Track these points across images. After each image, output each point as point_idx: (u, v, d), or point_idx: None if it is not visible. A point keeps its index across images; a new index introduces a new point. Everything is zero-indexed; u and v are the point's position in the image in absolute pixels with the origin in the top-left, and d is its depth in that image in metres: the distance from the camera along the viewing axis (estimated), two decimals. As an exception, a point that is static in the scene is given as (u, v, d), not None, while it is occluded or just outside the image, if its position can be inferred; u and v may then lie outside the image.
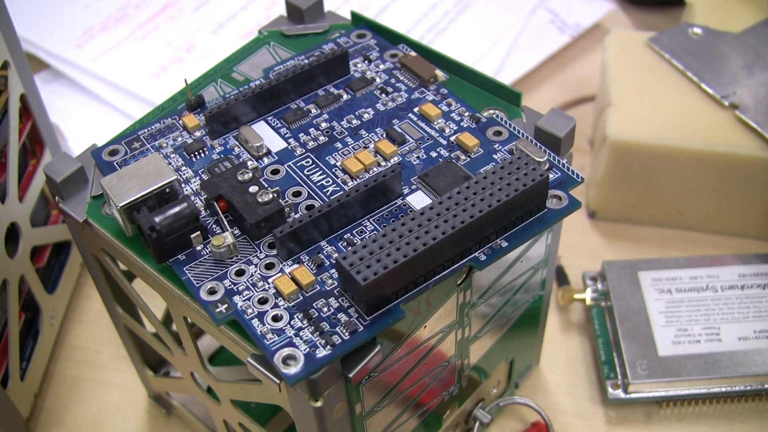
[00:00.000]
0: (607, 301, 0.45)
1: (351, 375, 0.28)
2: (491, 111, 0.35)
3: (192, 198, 0.32)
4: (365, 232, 0.31)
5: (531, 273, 0.37)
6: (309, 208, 0.31)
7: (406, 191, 0.32)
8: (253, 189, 0.31)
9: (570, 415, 0.43)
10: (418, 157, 0.33)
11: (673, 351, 0.42)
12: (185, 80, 0.36)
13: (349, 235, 0.31)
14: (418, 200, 0.32)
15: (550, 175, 0.32)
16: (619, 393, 0.42)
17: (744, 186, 0.47)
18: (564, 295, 0.46)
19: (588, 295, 0.45)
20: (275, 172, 0.33)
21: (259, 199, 0.31)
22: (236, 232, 0.31)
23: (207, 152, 0.34)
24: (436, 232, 0.28)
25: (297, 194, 0.32)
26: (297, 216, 0.31)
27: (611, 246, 0.50)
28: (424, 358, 0.33)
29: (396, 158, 0.33)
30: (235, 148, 0.34)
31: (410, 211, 0.31)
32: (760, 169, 0.46)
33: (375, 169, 0.33)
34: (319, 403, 0.28)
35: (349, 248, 0.28)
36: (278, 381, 0.28)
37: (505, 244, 0.30)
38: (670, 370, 0.42)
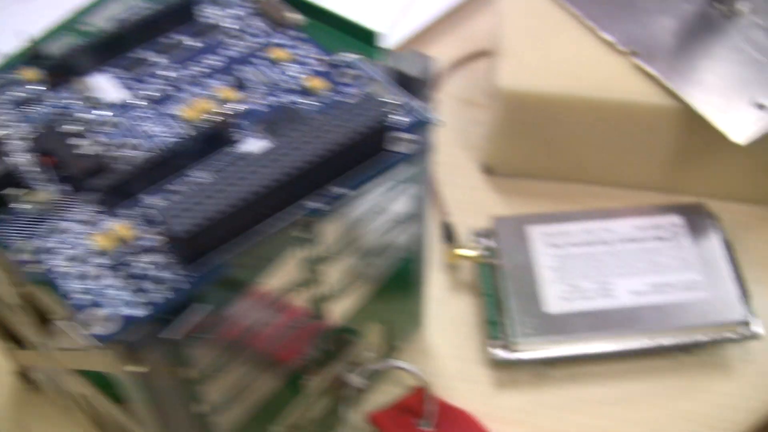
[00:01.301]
0: (496, 258, 0.43)
1: (174, 336, 0.26)
2: (346, 53, 0.33)
3: (17, 154, 0.29)
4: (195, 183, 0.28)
5: (397, 229, 0.35)
6: (138, 159, 0.29)
7: (244, 139, 0.30)
8: (79, 142, 0.29)
9: (456, 379, 0.41)
10: (263, 104, 0.31)
11: (562, 308, 0.40)
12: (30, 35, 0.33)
13: (177, 186, 0.28)
14: (256, 148, 0.29)
15: (403, 118, 0.30)
16: (505, 354, 0.40)
17: (643, 136, 0.45)
18: (450, 253, 0.43)
19: (475, 253, 0.43)
20: (112, 124, 0.31)
21: (84, 152, 0.29)
22: (67, 188, 0.29)
23: (43, 106, 0.31)
24: (266, 178, 0.26)
25: (132, 147, 0.30)
26: (122, 168, 0.29)
27: (508, 202, 0.48)
28: (269, 317, 0.31)
29: (239, 105, 0.31)
30: (73, 102, 0.31)
31: (243, 159, 0.29)
32: (659, 118, 0.44)
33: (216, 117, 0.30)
34: (140, 368, 0.26)
35: (173, 198, 0.26)
36: (94, 344, 0.25)
37: (343, 191, 0.28)
38: (558, 328, 0.40)
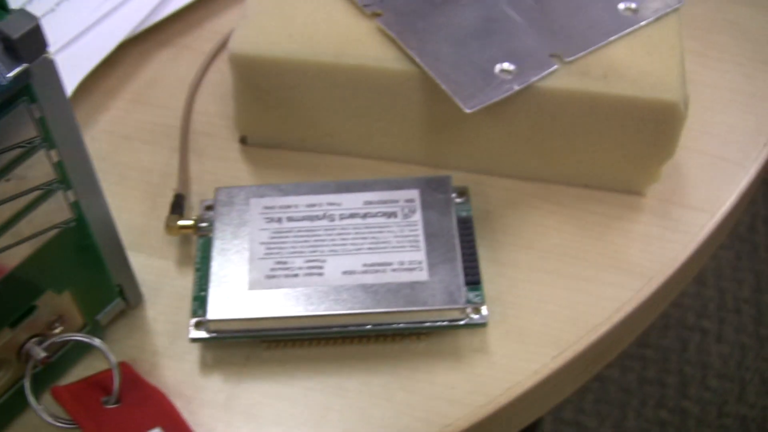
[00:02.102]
0: (211, 231, 0.40)
1: None
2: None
3: None
4: None
5: (35, 195, 0.32)
6: None
7: None
8: None
9: (164, 356, 0.39)
10: None
11: (263, 286, 0.38)
12: None
13: None
14: None
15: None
16: (198, 332, 0.38)
17: (388, 104, 0.42)
18: (168, 224, 0.41)
19: (194, 224, 0.40)
20: None
21: None
22: None
23: None
24: None
25: None
26: None
27: (259, 174, 0.45)
28: None
29: None
30: None
31: None
32: (399, 85, 0.41)
33: None
34: None
35: None
36: None
37: None
38: (258, 308, 0.37)
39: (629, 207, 0.44)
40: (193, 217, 0.41)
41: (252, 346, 0.39)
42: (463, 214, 0.41)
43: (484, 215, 0.43)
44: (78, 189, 0.33)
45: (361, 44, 0.41)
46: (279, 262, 0.38)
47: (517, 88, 0.39)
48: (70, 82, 0.46)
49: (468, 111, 0.38)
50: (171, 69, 0.49)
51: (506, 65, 0.40)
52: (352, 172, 0.45)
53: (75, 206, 0.34)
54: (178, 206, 0.42)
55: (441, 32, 0.41)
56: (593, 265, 0.42)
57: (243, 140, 0.45)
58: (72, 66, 0.47)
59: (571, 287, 0.41)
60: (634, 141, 0.41)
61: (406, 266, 0.38)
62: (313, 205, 0.40)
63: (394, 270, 0.38)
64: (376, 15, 0.41)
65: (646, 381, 1.08)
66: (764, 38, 0.50)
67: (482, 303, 0.38)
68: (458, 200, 0.41)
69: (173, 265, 0.42)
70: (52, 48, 0.46)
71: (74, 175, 0.33)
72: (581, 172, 0.43)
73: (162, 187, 0.44)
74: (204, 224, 0.41)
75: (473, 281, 0.39)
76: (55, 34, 0.46)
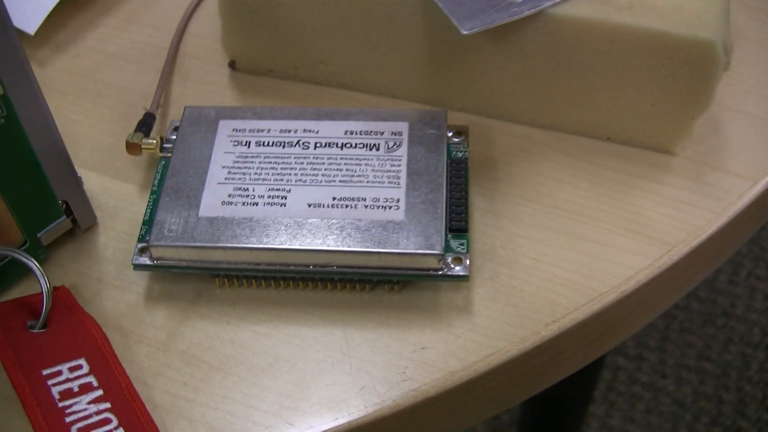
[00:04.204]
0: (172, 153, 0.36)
1: None
2: None
3: None
4: None
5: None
6: None
7: None
8: None
9: (107, 285, 0.35)
10: None
11: (217, 212, 0.33)
12: None
13: None
14: None
15: None
16: (141, 258, 0.33)
17: (387, 28, 0.37)
18: (129, 141, 0.37)
19: (156, 144, 0.36)
20: None
21: None
22: None
23: None
24: None
25: None
26: None
27: (246, 101, 0.41)
28: None
29: None
30: None
31: None
32: (400, 3, 0.36)
33: None
34: None
35: None
36: None
37: None
38: (203, 235, 0.33)
39: (656, 166, 0.38)
40: (158, 137, 0.37)
41: (204, 282, 0.35)
42: (459, 155, 0.36)
43: (485, 161, 0.38)
44: (6, 82, 0.30)
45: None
46: (239, 188, 0.34)
47: (526, 12, 0.34)
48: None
49: (464, 32, 0.33)
50: (171, -12, 0.46)
51: (517, -15, 0.34)
52: (346, 105, 0.40)
53: (4, 100, 0.30)
54: (145, 125, 0.38)
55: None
56: (607, 226, 0.36)
57: (232, 65, 0.41)
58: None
59: (577, 249, 0.35)
60: (663, 87, 0.35)
61: (380, 203, 0.33)
62: (288, 131, 0.36)
63: (366, 206, 0.33)
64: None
65: (702, 396, 1.01)
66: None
67: (466, 253, 0.33)
68: (455, 139, 0.36)
69: (136, 189, 0.38)
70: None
71: (2, 66, 0.29)
72: (601, 122, 0.38)
73: (139, 109, 0.40)
74: (169, 145, 0.36)
75: (458, 228, 0.34)
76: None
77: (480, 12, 0.34)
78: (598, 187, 0.37)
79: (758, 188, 0.37)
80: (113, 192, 0.37)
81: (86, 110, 0.40)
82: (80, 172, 0.37)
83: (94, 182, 0.38)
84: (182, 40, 0.43)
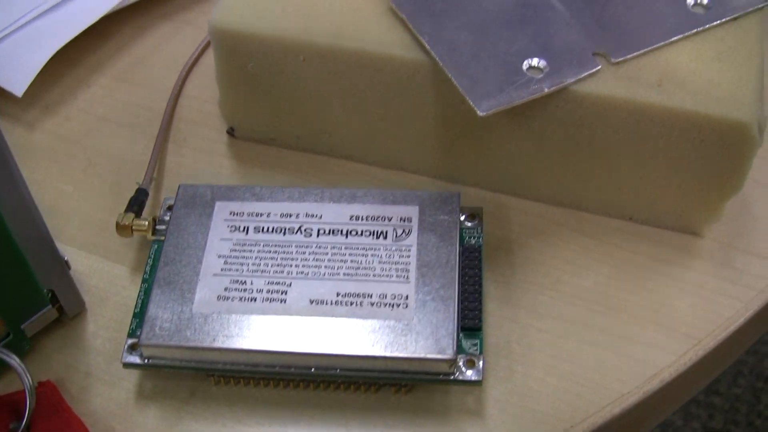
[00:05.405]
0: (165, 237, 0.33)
1: None
2: None
3: None
4: None
5: None
6: None
7: None
8: None
9: (96, 379, 0.33)
10: None
11: (212, 308, 0.31)
12: None
13: None
14: None
15: None
16: (131, 357, 0.31)
17: (395, 100, 0.35)
18: (119, 223, 0.34)
19: (149, 226, 0.34)
20: None
21: None
22: None
23: None
24: None
25: None
26: None
27: (245, 172, 0.38)
28: None
29: None
30: None
31: None
32: (411, 76, 0.34)
33: None
34: None
35: None
36: None
37: None
38: (197, 334, 0.30)
39: (682, 249, 0.36)
40: (150, 218, 0.34)
41: (199, 379, 0.32)
42: (472, 241, 0.34)
43: (500, 244, 0.35)
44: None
45: (364, 25, 0.34)
46: (236, 281, 0.31)
47: (547, 90, 0.32)
48: (46, 50, 0.41)
49: (481, 114, 0.31)
50: (166, 46, 0.43)
51: (537, 61, 0.32)
52: (352, 179, 0.38)
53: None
54: (137, 202, 0.35)
55: (462, 16, 0.33)
56: (630, 318, 0.34)
57: (231, 132, 0.39)
58: (51, 34, 0.41)
59: (598, 343, 0.33)
60: (692, 167, 0.33)
61: (388, 300, 0.31)
62: (289, 215, 0.33)
63: (372, 304, 0.31)
64: (387, -7, 0.34)
65: (711, 431, 0.98)
66: None
67: (479, 354, 0.31)
68: (468, 224, 0.34)
69: (127, 272, 0.35)
70: (32, 13, 0.41)
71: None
72: (625, 202, 0.35)
73: (132, 180, 0.37)
74: (162, 227, 0.34)
75: (472, 327, 0.31)
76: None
77: (497, 90, 0.31)
78: (621, 273, 0.35)
79: (791, 274, 0.35)
80: (103, 274, 0.35)
81: (76, 180, 0.38)
82: (68, 250, 0.35)
83: (82, 262, 0.35)
84: (178, 102, 0.40)
